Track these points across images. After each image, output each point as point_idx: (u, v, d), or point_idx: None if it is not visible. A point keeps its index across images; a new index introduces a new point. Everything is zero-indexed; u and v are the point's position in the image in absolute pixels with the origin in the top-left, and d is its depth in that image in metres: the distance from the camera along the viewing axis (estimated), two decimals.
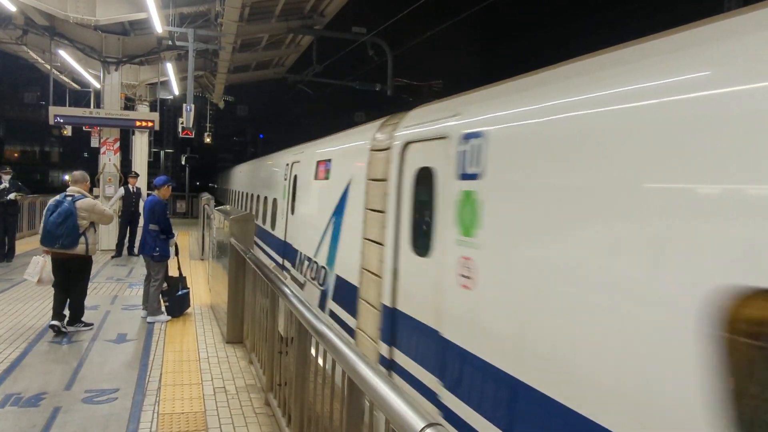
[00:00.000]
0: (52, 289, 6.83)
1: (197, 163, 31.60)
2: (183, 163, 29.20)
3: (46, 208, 6.72)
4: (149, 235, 7.46)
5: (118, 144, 14.61)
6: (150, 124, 13.99)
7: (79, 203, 6.75)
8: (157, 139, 30.60)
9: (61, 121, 13.70)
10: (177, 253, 7.89)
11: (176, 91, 19.29)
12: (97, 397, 4.82)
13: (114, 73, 14.57)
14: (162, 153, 32.16)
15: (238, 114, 37.04)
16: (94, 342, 6.47)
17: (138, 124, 14.39)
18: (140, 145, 18.48)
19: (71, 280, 6.92)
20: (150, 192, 7.89)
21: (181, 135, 21.93)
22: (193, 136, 22.26)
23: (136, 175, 13.94)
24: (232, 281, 6.59)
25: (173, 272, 7.86)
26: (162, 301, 7.60)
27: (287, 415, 4.25)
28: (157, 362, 5.82)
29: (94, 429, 4.20)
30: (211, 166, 40.29)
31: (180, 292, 7.78)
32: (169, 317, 7.58)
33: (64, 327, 6.80)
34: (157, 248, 7.42)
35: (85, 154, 56.01)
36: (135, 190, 13.75)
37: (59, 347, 6.24)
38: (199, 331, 7.10)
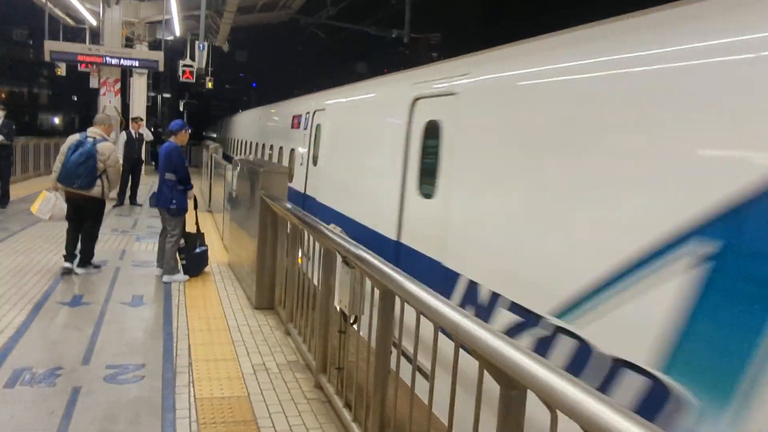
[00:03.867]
0: (56, 238, 6.47)
1: (195, 110, 30.34)
2: (181, 109, 27.94)
3: (67, 147, 6.59)
4: (165, 186, 6.68)
5: (119, 85, 13.61)
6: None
7: (99, 146, 6.60)
8: (153, 83, 29.30)
9: (58, 57, 12.63)
10: (195, 206, 7.12)
11: (178, 32, 18.10)
12: (121, 374, 4.15)
13: (115, 7, 13.45)
14: (159, 97, 30.77)
15: (237, 60, 35.49)
16: (108, 304, 5.77)
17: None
18: (139, 88, 17.40)
19: (84, 221, 6.83)
20: (163, 138, 7.03)
21: (182, 78, 20.98)
22: (193, 80, 21.22)
23: (140, 120, 13.02)
24: (261, 241, 5.87)
25: (190, 227, 7.14)
26: (179, 258, 6.89)
27: (348, 406, 3.62)
28: (182, 331, 5.15)
29: (122, 417, 3.54)
30: (209, 114, 38.98)
31: (198, 250, 7.07)
32: (187, 276, 6.88)
33: (75, 270, 6.76)
34: (173, 200, 6.65)
35: (75, 98, 53.90)
36: (138, 135, 12.85)
37: (70, 310, 5.54)
38: (222, 294, 6.42)
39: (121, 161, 12.31)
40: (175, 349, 4.72)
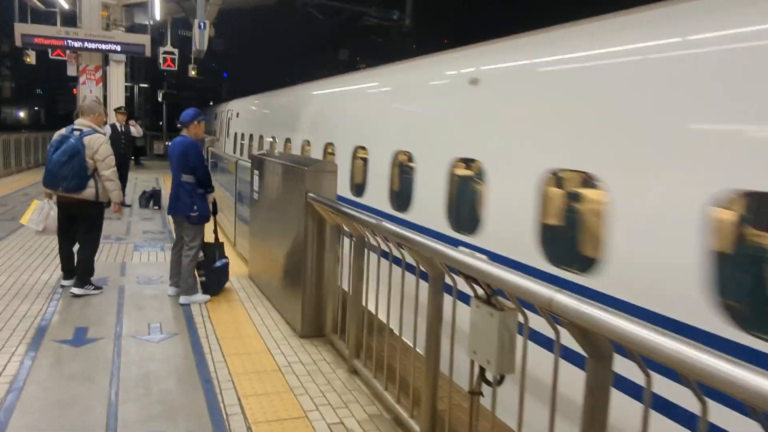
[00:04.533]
0: (41, 251, 5.51)
1: (175, 101, 28.68)
2: (160, 99, 26.29)
3: (49, 144, 5.70)
4: (182, 190, 5.52)
5: (100, 73, 12.23)
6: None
7: (87, 139, 5.55)
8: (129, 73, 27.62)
9: (30, 42, 11.20)
10: (215, 212, 5.97)
11: (158, 14, 16.63)
12: None
13: None
14: (135, 88, 29.02)
15: (214, 48, 33.63)
16: (120, 340, 4.63)
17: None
18: (116, 78, 15.95)
19: (78, 230, 5.81)
20: (174, 132, 5.76)
21: (162, 66, 19.50)
22: (175, 68, 19.76)
23: (125, 111, 11.70)
24: (311, 255, 4.79)
25: (207, 236, 6.00)
26: (197, 275, 5.75)
27: None
28: (223, 375, 4.05)
29: None
30: (190, 104, 37.25)
31: (218, 263, 5.94)
32: (208, 296, 5.75)
33: (72, 290, 5.68)
34: (195, 206, 5.51)
35: (39, 91, 50.65)
36: (123, 128, 11.56)
37: (74, 351, 4.38)
38: (254, 318, 5.32)
39: None
40: (223, 405, 3.62)
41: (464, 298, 2.84)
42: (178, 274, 5.81)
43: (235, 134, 17.89)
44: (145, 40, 12.09)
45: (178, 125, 5.73)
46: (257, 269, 6.45)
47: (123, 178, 11.69)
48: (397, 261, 3.62)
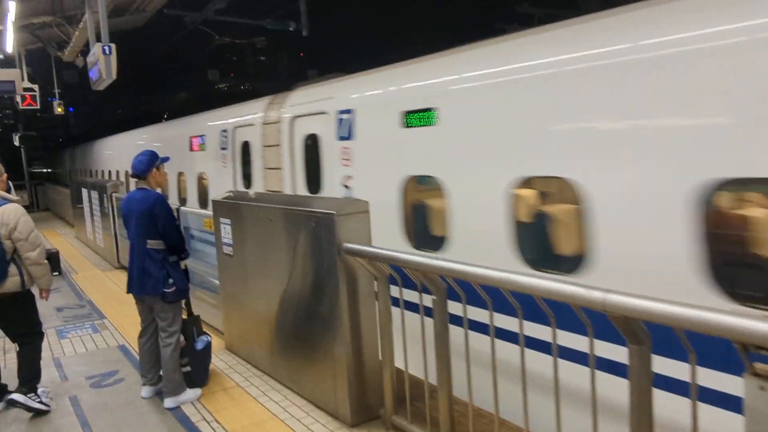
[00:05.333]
0: None
1: (35, 143, 25.17)
2: (17, 143, 22.89)
3: None
4: (150, 261, 4.21)
5: None
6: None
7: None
8: None
9: None
10: (188, 280, 4.68)
11: (9, 47, 14.22)
12: None
13: None
14: None
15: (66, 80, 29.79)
16: None
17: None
18: None
19: (10, 329, 4.49)
20: (139, 181, 4.19)
21: (21, 105, 16.89)
22: (37, 106, 17.19)
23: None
24: (349, 319, 3.78)
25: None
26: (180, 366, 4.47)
27: None
28: None
29: None
30: (54, 146, 33.19)
31: (199, 344, 4.69)
32: (199, 391, 4.50)
33: (14, 399, 4.25)
34: (170, 279, 4.23)
35: None
36: None
37: None
38: (272, 409, 4.18)
39: None
40: None
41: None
42: (153, 369, 4.50)
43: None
44: (13, 75, 10.04)
45: (132, 177, 4.40)
46: (243, 340, 5.24)
47: None
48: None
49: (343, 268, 3.74)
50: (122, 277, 9.35)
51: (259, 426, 3.94)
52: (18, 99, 16.97)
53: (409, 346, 3.62)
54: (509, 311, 2.81)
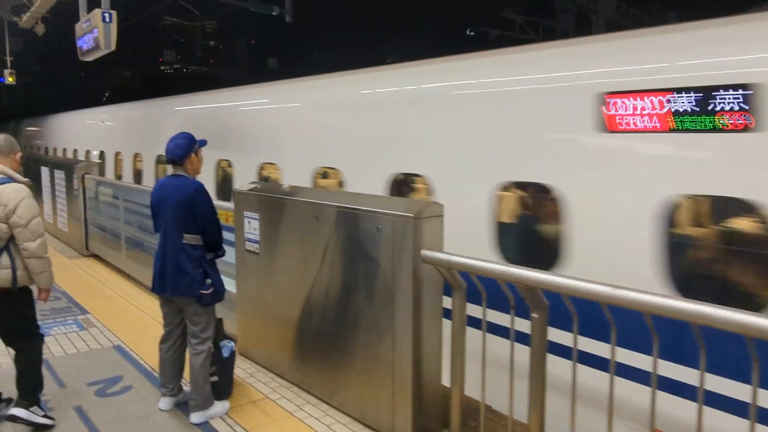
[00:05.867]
0: None
1: None
2: None
3: None
4: (186, 258, 3.72)
5: None
6: None
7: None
8: None
9: None
10: None
11: None
12: None
13: None
14: None
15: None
16: None
17: None
18: None
19: (6, 333, 3.92)
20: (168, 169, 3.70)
21: None
22: None
23: None
24: (416, 333, 3.44)
25: None
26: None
27: None
28: None
29: None
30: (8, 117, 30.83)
31: (225, 351, 4.22)
32: (227, 404, 4.05)
33: (13, 414, 3.67)
34: (208, 280, 3.76)
35: None
36: None
37: None
38: (314, 426, 3.79)
39: None
40: None
41: None
42: (175, 379, 4.02)
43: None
44: None
45: (168, 162, 3.87)
46: (264, 346, 4.80)
47: None
48: None
49: (416, 277, 3.40)
50: (95, 266, 8.67)
51: None
52: None
53: (472, 367, 3.35)
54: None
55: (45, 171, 11.41)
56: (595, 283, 2.62)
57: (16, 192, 3.71)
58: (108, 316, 6.22)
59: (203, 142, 3.97)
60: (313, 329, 4.20)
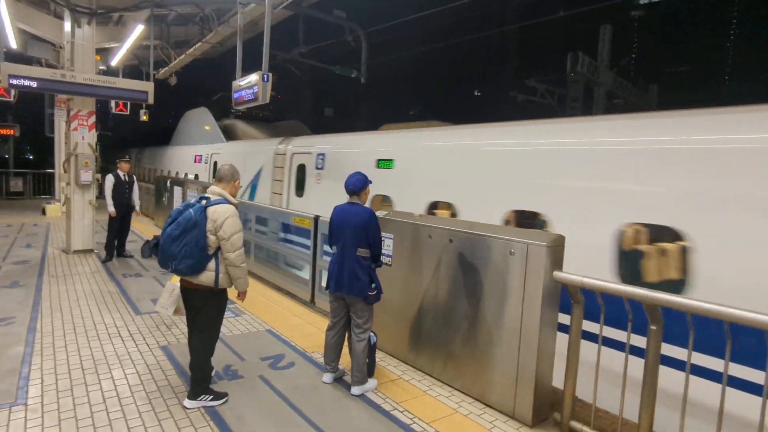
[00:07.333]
0: None
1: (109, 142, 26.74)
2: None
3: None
4: (359, 266, 4.97)
5: (93, 118, 10.99)
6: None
7: (211, 210, 4.50)
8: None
9: (20, 83, 9.84)
10: None
11: (115, 61, 15.44)
12: None
13: (86, 27, 10.93)
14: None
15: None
16: None
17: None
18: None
19: (192, 322, 4.73)
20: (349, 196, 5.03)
21: (114, 110, 18.19)
22: (127, 112, 18.50)
23: (128, 160, 10.63)
24: (540, 343, 4.48)
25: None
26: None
27: None
28: None
29: None
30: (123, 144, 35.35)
31: (372, 339, 5.40)
32: (376, 380, 5.21)
33: (184, 404, 4.62)
34: (373, 284, 5.00)
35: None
36: (127, 177, 10.56)
37: None
38: (446, 403, 4.86)
39: (111, 208, 9.96)
40: None
41: None
42: (336, 359, 5.23)
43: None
44: (148, 87, 11.11)
45: (348, 192, 5.19)
46: (393, 339, 5.94)
47: (125, 229, 10.85)
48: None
49: (545, 293, 4.45)
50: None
51: (449, 419, 4.61)
52: (112, 104, 18.32)
53: (583, 369, 4.37)
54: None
55: (177, 190, 13.39)
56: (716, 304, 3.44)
57: (225, 211, 4.51)
58: (250, 306, 7.55)
59: (370, 181, 5.27)
60: (440, 327, 5.31)
